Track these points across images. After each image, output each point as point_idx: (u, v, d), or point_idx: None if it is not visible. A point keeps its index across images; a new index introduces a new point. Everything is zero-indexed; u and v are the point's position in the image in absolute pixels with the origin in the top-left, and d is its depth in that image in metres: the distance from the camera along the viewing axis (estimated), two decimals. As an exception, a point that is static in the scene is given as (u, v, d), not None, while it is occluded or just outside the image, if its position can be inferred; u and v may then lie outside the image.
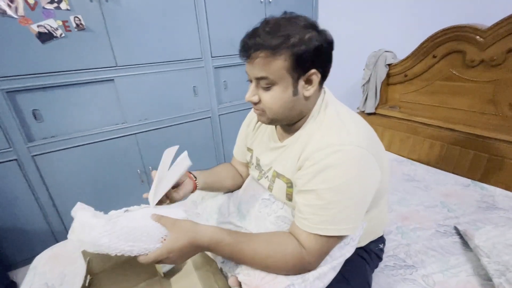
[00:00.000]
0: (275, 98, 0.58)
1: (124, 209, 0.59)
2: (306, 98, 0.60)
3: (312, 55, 0.54)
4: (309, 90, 0.59)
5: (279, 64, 0.54)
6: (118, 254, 0.49)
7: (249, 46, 0.56)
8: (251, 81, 0.61)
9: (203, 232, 0.56)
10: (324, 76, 0.60)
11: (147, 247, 0.51)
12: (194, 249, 0.55)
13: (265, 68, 0.55)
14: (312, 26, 0.56)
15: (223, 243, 0.56)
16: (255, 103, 0.61)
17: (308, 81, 0.58)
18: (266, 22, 0.57)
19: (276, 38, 0.53)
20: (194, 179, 0.75)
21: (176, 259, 0.54)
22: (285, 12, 0.59)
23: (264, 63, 0.55)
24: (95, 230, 0.49)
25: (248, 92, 0.61)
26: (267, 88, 0.58)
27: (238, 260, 0.59)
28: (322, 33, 0.56)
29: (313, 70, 0.56)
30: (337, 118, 0.59)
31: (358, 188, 0.54)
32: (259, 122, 0.81)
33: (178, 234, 0.54)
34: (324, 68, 0.58)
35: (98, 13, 1.37)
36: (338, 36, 2.24)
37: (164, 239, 0.53)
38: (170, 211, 0.59)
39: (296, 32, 0.54)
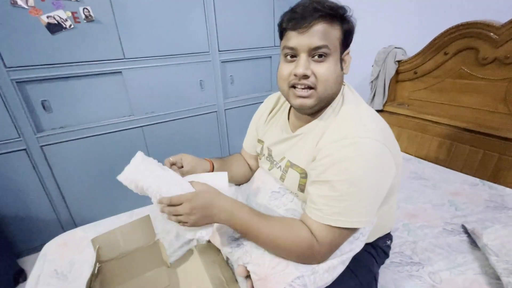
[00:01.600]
0: (331, 69, 0.56)
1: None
2: (343, 75, 0.62)
3: (351, 35, 0.59)
4: (346, 69, 0.61)
5: (336, 34, 0.56)
6: (150, 188, 0.58)
7: (308, 13, 0.53)
8: (292, 56, 0.58)
9: (225, 197, 0.60)
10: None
11: (174, 191, 0.56)
12: (214, 209, 0.57)
13: (326, 36, 0.54)
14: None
15: (243, 210, 0.58)
16: (307, 77, 0.56)
17: (343, 61, 0.60)
18: None
19: (335, 10, 0.55)
20: (212, 166, 0.79)
21: (194, 209, 0.55)
22: None
23: (325, 31, 0.54)
24: (144, 162, 0.63)
25: (300, 66, 0.55)
26: (321, 60, 0.56)
27: (252, 233, 0.59)
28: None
29: (348, 50, 0.60)
30: (355, 111, 0.59)
31: (373, 182, 0.54)
32: (272, 114, 0.81)
33: (206, 189, 0.59)
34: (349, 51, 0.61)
35: (107, 5, 1.37)
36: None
37: None
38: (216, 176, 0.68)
39: (347, 12, 0.57)
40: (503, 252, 0.76)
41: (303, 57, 0.56)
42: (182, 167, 0.72)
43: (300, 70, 0.55)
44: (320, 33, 0.54)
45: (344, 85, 0.66)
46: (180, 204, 0.55)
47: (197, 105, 1.82)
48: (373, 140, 0.53)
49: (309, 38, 0.54)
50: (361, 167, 0.52)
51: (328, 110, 0.63)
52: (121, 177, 0.61)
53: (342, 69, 0.60)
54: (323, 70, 0.56)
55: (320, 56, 0.55)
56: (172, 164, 0.71)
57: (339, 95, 0.63)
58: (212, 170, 0.78)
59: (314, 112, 0.63)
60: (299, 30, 0.54)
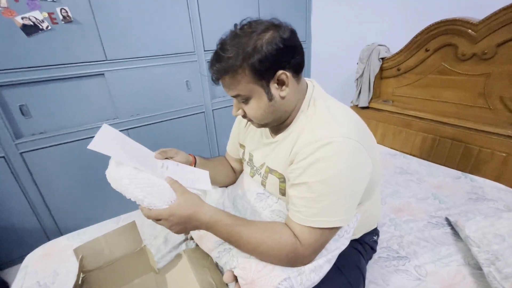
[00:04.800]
0: (254, 108, 0.60)
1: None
2: (283, 98, 0.60)
3: (270, 59, 0.54)
4: (284, 91, 0.59)
5: (243, 81, 0.56)
6: (132, 199, 0.56)
7: (212, 75, 0.59)
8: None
9: (206, 209, 0.58)
10: (296, 70, 0.59)
11: (155, 203, 0.56)
12: (193, 222, 0.57)
13: (233, 87, 0.58)
14: (270, 26, 0.56)
15: (222, 222, 0.58)
16: (243, 116, 0.65)
17: (280, 82, 0.58)
18: (221, 43, 0.58)
19: (231, 59, 0.54)
20: (195, 161, 0.78)
21: (173, 225, 0.57)
22: (243, 21, 0.59)
23: (230, 84, 0.58)
24: (122, 171, 0.55)
25: (233, 108, 0.65)
26: (244, 102, 0.61)
27: (234, 242, 0.60)
28: (280, 30, 0.55)
29: (280, 72, 0.56)
30: (327, 111, 0.60)
31: (350, 180, 0.54)
32: None
33: (184, 203, 0.57)
34: (291, 63, 0.57)
35: (86, 5, 1.33)
36: (332, 30, 2.21)
37: (171, 203, 0.57)
38: (198, 177, 0.68)
39: (250, 43, 0.54)
40: (484, 243, 0.78)
41: (234, 101, 0.64)
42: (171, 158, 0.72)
43: (232, 113, 0.66)
44: (228, 85, 0.59)
45: (314, 86, 0.66)
46: (159, 219, 0.57)
47: (184, 106, 1.79)
48: (347, 138, 0.53)
49: (226, 90, 0.61)
50: (336, 166, 0.52)
51: (300, 115, 0.63)
52: (92, 146, 0.54)
53: (271, 99, 0.58)
54: (248, 110, 0.62)
55: (241, 100, 0.61)
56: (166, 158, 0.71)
57: (309, 98, 0.64)
58: (194, 164, 0.77)
59: (279, 124, 0.66)
60: (217, 84, 0.61)
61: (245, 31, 0.55)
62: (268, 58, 0.54)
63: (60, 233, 1.55)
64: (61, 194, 1.50)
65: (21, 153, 1.34)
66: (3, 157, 1.31)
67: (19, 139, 1.33)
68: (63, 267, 0.86)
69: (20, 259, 1.46)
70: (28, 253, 0.96)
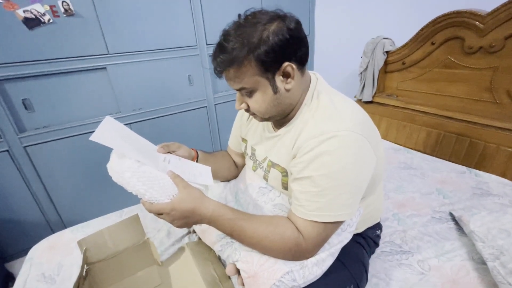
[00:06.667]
0: (259, 102, 0.59)
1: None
2: (288, 91, 0.59)
3: (276, 51, 0.53)
4: (289, 83, 0.57)
5: (248, 73, 0.55)
6: (133, 193, 0.55)
7: (216, 67, 0.58)
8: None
9: (208, 204, 0.58)
10: (301, 61, 0.58)
11: (157, 197, 0.55)
12: (195, 217, 0.57)
13: (238, 80, 0.57)
14: (275, 17, 0.54)
15: (224, 217, 0.58)
16: (246, 109, 0.63)
17: (285, 75, 0.57)
18: (225, 34, 0.56)
19: (236, 50, 0.53)
20: (197, 156, 0.77)
21: (174, 219, 0.56)
22: (246, 11, 0.57)
23: (234, 76, 0.56)
24: (124, 164, 0.55)
25: (236, 102, 0.64)
26: (248, 95, 0.60)
27: (237, 236, 0.59)
28: (286, 21, 0.54)
29: (286, 63, 0.55)
30: (331, 105, 0.59)
31: (353, 174, 0.54)
32: None
33: (186, 197, 0.56)
34: (297, 55, 0.56)
35: (88, -2, 1.31)
36: (336, 23, 2.17)
37: (173, 197, 0.57)
38: (200, 171, 0.68)
39: (255, 33, 0.53)
40: (489, 238, 0.77)
41: (237, 93, 0.62)
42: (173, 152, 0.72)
43: (235, 106, 0.64)
44: (233, 77, 0.57)
45: (317, 79, 0.65)
46: (161, 214, 0.56)
47: (186, 100, 1.79)
48: (351, 132, 0.53)
49: (230, 83, 0.59)
50: (340, 160, 0.52)
51: (303, 108, 0.63)
52: (94, 137, 0.53)
53: (276, 91, 0.57)
54: (252, 103, 0.61)
55: (245, 93, 0.59)
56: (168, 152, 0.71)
57: (312, 91, 0.63)
58: (196, 159, 0.77)
59: (282, 117, 0.65)
60: (220, 77, 0.59)
61: (249, 22, 0.54)
62: (274, 49, 0.52)
63: (64, 225, 1.56)
64: (64, 188, 1.51)
65: (24, 147, 1.35)
66: (7, 150, 1.32)
67: (22, 133, 1.33)
68: (68, 259, 0.87)
69: (24, 252, 1.48)
70: (32, 245, 0.97)
